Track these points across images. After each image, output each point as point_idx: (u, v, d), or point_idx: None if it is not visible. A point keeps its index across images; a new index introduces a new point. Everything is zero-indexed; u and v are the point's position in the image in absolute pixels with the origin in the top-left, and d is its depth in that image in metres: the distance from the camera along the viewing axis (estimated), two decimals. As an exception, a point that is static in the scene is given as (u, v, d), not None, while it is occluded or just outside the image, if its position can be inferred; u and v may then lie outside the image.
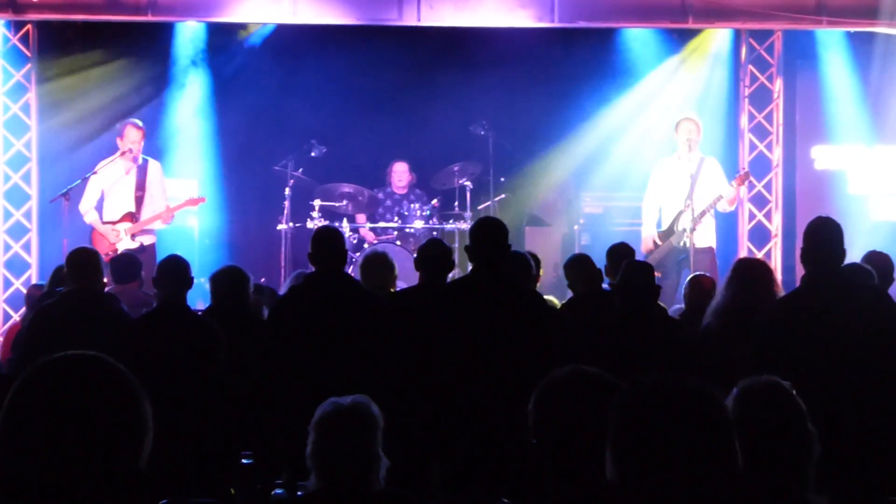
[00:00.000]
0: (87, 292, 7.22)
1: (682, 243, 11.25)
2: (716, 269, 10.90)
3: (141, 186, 11.68)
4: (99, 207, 11.72)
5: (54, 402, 2.15)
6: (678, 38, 13.61)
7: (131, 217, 11.62)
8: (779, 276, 12.38)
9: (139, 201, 11.66)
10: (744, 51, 13.63)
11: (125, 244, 11.42)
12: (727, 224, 12.90)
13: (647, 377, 2.52)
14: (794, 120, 13.73)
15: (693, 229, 11.10)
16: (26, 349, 7.14)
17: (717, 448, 2.45)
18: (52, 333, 6.94)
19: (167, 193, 11.99)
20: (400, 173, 13.51)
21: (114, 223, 11.61)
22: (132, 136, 11.61)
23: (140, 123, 11.81)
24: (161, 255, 8.34)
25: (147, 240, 11.66)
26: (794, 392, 3.54)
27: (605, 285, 8.24)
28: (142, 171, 11.72)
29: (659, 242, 11.46)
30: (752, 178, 12.97)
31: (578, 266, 8.21)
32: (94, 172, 11.63)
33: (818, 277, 5.80)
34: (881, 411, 5.48)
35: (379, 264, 7.77)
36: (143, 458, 2.20)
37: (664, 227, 11.53)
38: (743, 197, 13.37)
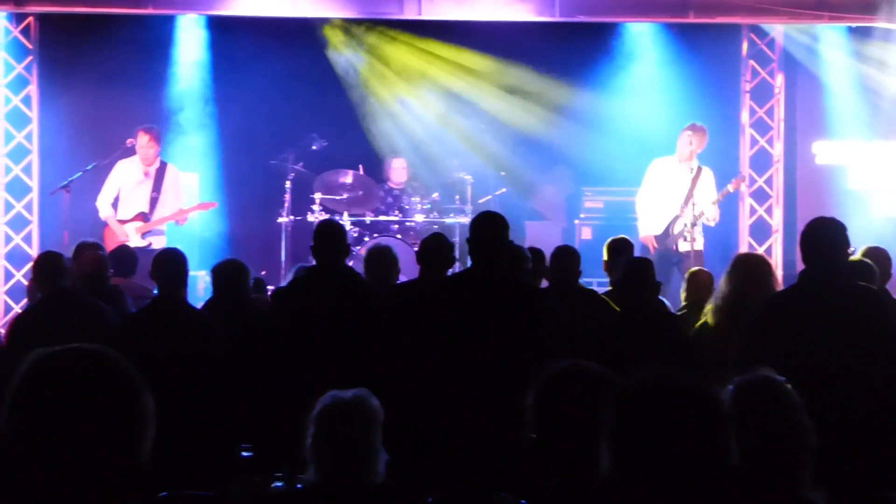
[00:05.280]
0: (66, 293, 7.14)
1: (675, 248, 11.33)
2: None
3: (157, 188, 12.10)
4: (115, 204, 12.08)
5: (56, 395, 2.15)
6: (679, 33, 13.59)
7: (143, 217, 12.01)
8: (779, 271, 12.39)
9: (153, 202, 12.06)
10: (745, 46, 13.62)
11: (135, 241, 11.69)
12: (728, 219, 12.89)
13: (642, 372, 2.53)
14: (794, 115, 13.72)
15: (692, 238, 11.16)
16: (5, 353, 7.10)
17: (711, 443, 2.46)
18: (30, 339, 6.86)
19: (183, 196, 12.36)
20: (398, 170, 13.47)
21: (126, 221, 11.97)
22: (141, 140, 12.01)
23: (152, 128, 12.18)
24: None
25: (158, 241, 11.95)
26: (790, 387, 3.56)
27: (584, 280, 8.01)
28: (159, 174, 12.16)
29: (655, 245, 11.49)
30: (744, 186, 12.96)
31: (559, 257, 7.79)
32: (95, 165, 11.89)
33: (812, 276, 5.78)
34: (871, 409, 5.46)
35: (383, 258, 7.81)
36: (145, 451, 2.20)
37: (659, 230, 11.56)
38: (744, 192, 13.37)
